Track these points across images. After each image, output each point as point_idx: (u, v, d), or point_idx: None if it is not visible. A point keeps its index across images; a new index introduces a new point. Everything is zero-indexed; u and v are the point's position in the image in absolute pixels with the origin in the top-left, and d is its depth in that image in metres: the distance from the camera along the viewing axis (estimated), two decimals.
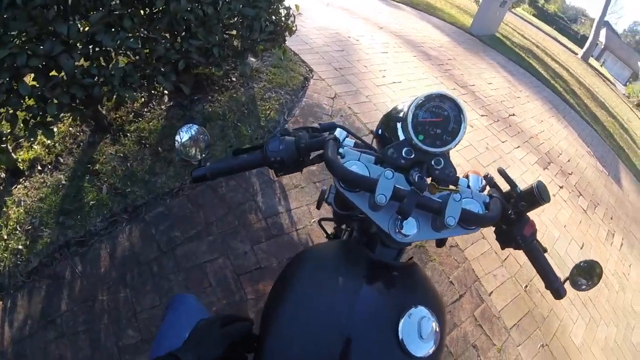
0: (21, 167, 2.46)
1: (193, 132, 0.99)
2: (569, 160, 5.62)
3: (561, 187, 4.80)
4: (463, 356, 2.43)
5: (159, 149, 2.78)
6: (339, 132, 1.01)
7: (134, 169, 2.60)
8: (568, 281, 0.97)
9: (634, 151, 9.09)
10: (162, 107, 3.17)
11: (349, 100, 4.12)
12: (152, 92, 2.64)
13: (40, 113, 2.00)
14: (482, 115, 5.31)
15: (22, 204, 2.29)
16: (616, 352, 3.29)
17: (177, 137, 0.98)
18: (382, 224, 0.85)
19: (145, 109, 3.12)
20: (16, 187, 2.38)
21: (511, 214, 0.95)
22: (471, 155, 4.28)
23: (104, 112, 2.87)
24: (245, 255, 2.40)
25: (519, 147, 5.06)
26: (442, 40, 7.56)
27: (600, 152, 6.86)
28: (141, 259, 2.21)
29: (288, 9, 3.08)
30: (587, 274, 0.99)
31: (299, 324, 0.77)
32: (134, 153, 2.71)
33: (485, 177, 1.01)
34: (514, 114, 5.89)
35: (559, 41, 20.78)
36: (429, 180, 0.87)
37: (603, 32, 36.07)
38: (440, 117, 0.89)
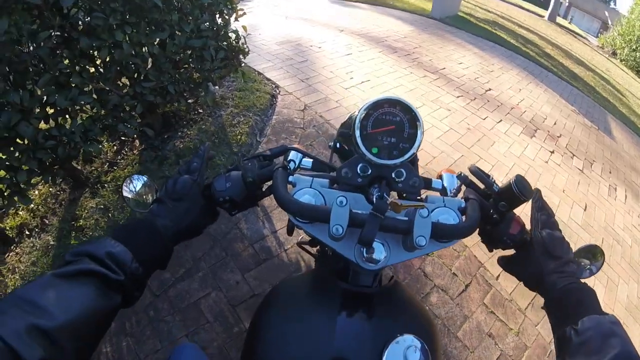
0: (10, 235, 2.48)
1: (140, 184, 0.91)
2: (555, 123, 5.53)
3: (552, 152, 4.71)
4: (480, 347, 2.34)
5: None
6: (293, 155, 0.94)
7: (115, 218, 2.56)
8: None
9: (619, 99, 9.05)
10: (135, 152, 3.12)
11: (320, 108, 4.05)
12: (122, 139, 2.60)
13: (13, 182, 1.98)
14: (458, 97, 5.22)
15: (17, 270, 2.30)
16: None
17: (125, 193, 0.90)
18: (347, 254, 0.76)
19: (119, 157, 3.09)
20: (9, 255, 2.40)
21: (493, 214, 0.84)
22: (453, 139, 4.20)
23: (79, 167, 2.85)
24: (237, 285, 2.34)
25: (501, 120, 4.98)
26: (405, 30, 7.51)
27: (585, 108, 6.80)
28: (137, 307, 2.11)
29: (236, 32, 3.01)
30: (588, 256, 0.90)
31: None
32: (114, 203, 2.67)
33: (459, 176, 0.92)
34: (490, 89, 5.81)
35: (523, 8, 20.78)
36: (394, 197, 0.80)
37: None
38: (393, 125, 0.80)
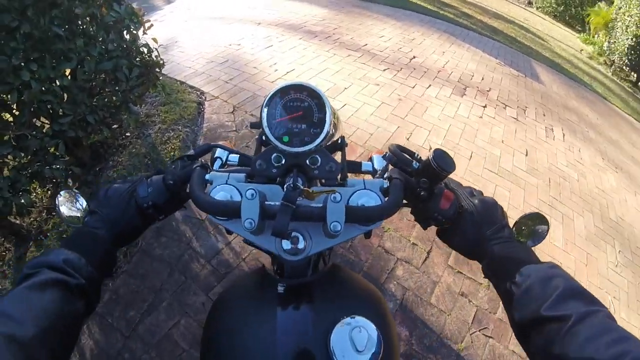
0: None
1: (68, 198, 0.87)
2: (482, 79, 5.67)
3: (485, 107, 4.83)
4: (455, 308, 2.38)
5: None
6: (220, 152, 0.94)
7: None
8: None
9: (541, 45, 9.42)
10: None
11: (249, 107, 3.95)
12: (53, 181, 2.46)
13: None
14: (384, 70, 5.24)
15: None
16: (600, 235, 3.31)
17: (59, 210, 0.86)
18: (268, 247, 0.76)
19: (55, 202, 2.86)
20: None
21: (420, 192, 0.80)
22: (387, 113, 4.21)
23: (17, 221, 2.68)
24: (204, 306, 2.28)
25: (430, 86, 5.04)
26: (322, 13, 7.47)
27: (510, 59, 7.02)
28: (110, 352, 2.08)
29: (147, 45, 2.86)
30: (530, 224, 0.84)
31: None
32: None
33: (384, 156, 0.88)
34: (414, 57, 5.86)
35: None
36: (317, 185, 0.79)
37: None
38: (300, 111, 0.78)
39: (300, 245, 0.75)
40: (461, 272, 2.57)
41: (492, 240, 0.77)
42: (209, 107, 3.96)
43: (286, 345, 0.68)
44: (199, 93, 4.21)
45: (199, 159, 0.89)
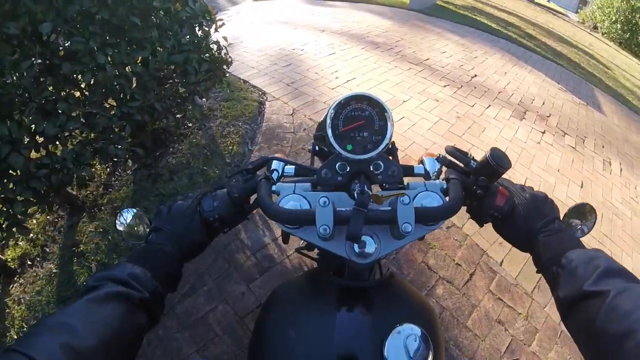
0: (12, 266, 2.48)
1: (130, 216, 0.92)
2: (543, 103, 5.53)
3: (543, 132, 4.72)
4: (490, 335, 2.34)
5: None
6: (276, 164, 0.96)
7: (116, 241, 2.55)
8: None
9: (605, 73, 9.06)
10: (128, 172, 3.12)
11: (308, 111, 4.04)
12: (114, 160, 2.60)
13: (10, 213, 1.99)
14: (444, 86, 5.22)
15: (22, 301, 2.30)
16: None
17: (119, 227, 0.91)
18: (339, 252, 0.77)
19: (113, 179, 3.08)
20: (12, 287, 2.39)
21: (477, 190, 0.85)
22: (444, 129, 4.20)
23: (74, 193, 2.85)
24: (243, 296, 2.34)
25: (489, 106, 4.98)
26: (386, 24, 7.49)
27: (572, 85, 6.79)
28: None
29: (217, 43, 3.01)
30: (579, 216, 0.90)
31: None
32: (112, 225, 2.63)
33: (438, 158, 0.92)
34: (475, 75, 5.81)
35: None
36: (377, 189, 0.80)
37: None
38: (362, 120, 0.83)
39: (370, 248, 0.76)
40: (501, 299, 2.54)
41: (542, 232, 0.80)
42: (269, 107, 4.08)
43: (343, 344, 0.72)
44: (260, 93, 4.34)
45: (257, 172, 0.95)
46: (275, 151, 3.36)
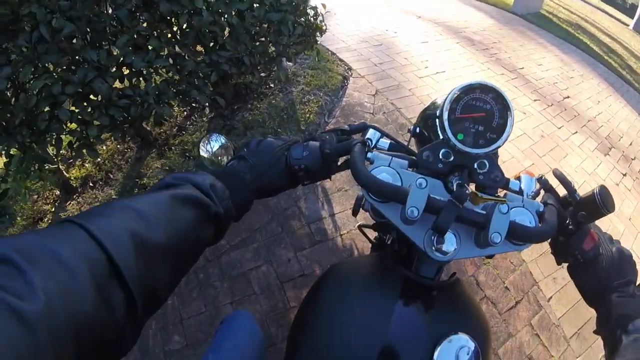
0: (74, 185, 2.61)
1: (217, 144, 0.92)
2: (631, 144, 5.19)
3: (624, 175, 4.43)
4: None
5: None
6: (371, 133, 0.91)
7: None
8: None
9: None
10: (204, 119, 3.21)
11: (391, 95, 3.99)
12: (193, 105, 2.65)
13: (84, 135, 2.07)
14: (534, 100, 5.01)
15: None
16: None
17: (202, 152, 0.92)
18: (416, 239, 0.74)
19: (188, 122, 3.18)
20: (70, 203, 2.51)
21: (569, 224, 0.80)
22: (526, 145, 4.04)
23: (149, 128, 2.96)
24: (288, 262, 2.38)
25: (576, 132, 4.74)
26: (485, 23, 7.24)
27: None
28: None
29: (315, 8, 3.00)
30: None
31: (327, 349, 0.74)
32: (179, 165, 2.75)
33: (540, 179, 0.87)
34: (568, 96, 5.52)
35: (607, 13, 19.48)
36: (472, 187, 0.75)
37: None
38: (483, 112, 0.76)
39: (450, 247, 0.72)
40: (539, 336, 2.45)
41: (617, 291, 0.76)
42: (352, 84, 4.05)
43: (395, 337, 0.71)
44: (346, 68, 4.31)
45: (352, 135, 0.92)
46: None
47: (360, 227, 1.57)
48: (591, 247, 0.80)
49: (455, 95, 0.75)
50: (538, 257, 2.83)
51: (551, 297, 2.66)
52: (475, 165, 0.77)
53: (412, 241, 0.74)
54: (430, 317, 0.76)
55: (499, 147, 0.76)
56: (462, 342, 0.67)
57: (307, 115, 3.38)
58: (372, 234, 1.62)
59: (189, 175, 0.66)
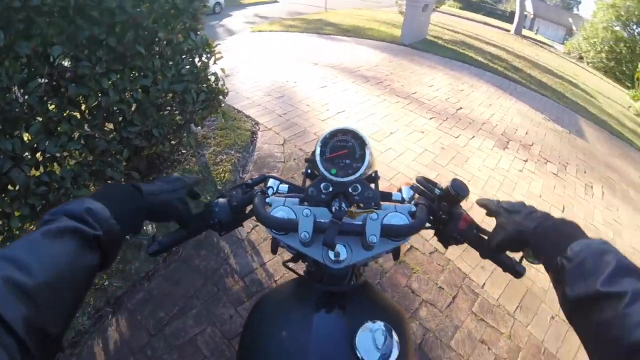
0: None
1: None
2: (527, 133, 5.74)
3: (526, 161, 4.90)
4: (474, 355, 2.40)
5: (127, 237, 2.77)
6: (272, 182, 1.11)
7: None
8: (523, 259, 0.91)
9: (589, 101, 9.35)
10: None
11: (299, 142, 4.20)
12: (108, 182, 2.65)
13: (6, 228, 2.03)
14: (430, 119, 5.43)
15: None
16: None
17: None
18: (316, 256, 0.91)
19: None
20: None
21: (442, 215, 0.98)
22: (428, 160, 4.36)
23: None
24: (231, 319, 2.38)
25: (473, 137, 5.17)
26: (377, 59, 7.78)
27: (555, 115, 7.06)
28: (134, 347, 2.19)
29: (215, 74, 3.17)
30: None
31: None
32: None
33: (412, 187, 1.07)
34: (461, 107, 6.04)
35: (490, 24, 21.35)
36: (353, 207, 0.94)
37: (529, 2, 37.56)
38: (346, 149, 0.98)
39: (343, 255, 0.89)
40: (484, 320, 2.61)
41: (527, 220, 0.80)
42: (261, 137, 4.23)
43: (319, 341, 0.81)
44: (253, 123, 4.51)
45: (254, 187, 1.09)
46: None
47: (284, 264, 1.70)
48: (467, 227, 0.96)
49: (322, 142, 0.97)
50: (462, 253, 3.06)
51: (484, 283, 2.86)
52: (350, 189, 0.94)
53: (314, 259, 0.90)
54: (345, 314, 0.89)
55: (364, 172, 0.95)
56: (376, 327, 0.79)
57: (222, 175, 3.47)
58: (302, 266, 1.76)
59: (63, 206, 0.64)
